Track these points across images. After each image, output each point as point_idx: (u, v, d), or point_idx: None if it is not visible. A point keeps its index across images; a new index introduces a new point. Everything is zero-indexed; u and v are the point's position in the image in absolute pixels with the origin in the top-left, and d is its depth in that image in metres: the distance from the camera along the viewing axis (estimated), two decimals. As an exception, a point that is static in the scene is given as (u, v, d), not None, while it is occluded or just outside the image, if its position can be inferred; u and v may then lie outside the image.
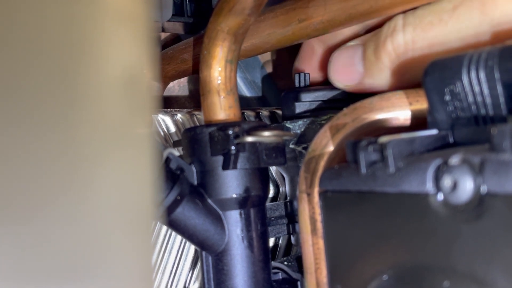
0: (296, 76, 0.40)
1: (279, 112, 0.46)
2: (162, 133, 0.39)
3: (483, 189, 0.21)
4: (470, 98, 0.24)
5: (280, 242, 0.43)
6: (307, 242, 0.30)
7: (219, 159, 0.33)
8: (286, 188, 0.41)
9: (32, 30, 0.18)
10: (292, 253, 0.43)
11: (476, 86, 0.24)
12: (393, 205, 0.25)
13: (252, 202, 0.34)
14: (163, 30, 0.46)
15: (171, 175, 0.32)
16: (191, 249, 0.38)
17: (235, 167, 0.33)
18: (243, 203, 0.33)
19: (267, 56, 0.56)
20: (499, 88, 0.23)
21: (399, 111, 0.28)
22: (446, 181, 0.22)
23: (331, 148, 0.29)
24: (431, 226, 0.23)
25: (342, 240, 0.28)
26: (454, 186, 0.22)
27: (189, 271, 0.39)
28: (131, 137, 0.21)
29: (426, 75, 0.25)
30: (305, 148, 0.36)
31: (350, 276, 0.28)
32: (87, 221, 0.19)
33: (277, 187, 0.42)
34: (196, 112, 0.42)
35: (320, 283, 0.29)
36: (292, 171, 0.39)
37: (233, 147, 0.32)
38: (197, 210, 0.33)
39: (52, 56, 0.18)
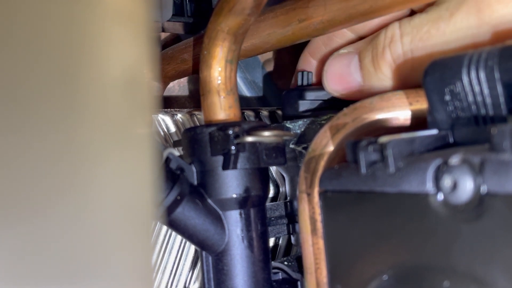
0: (299, 74, 0.40)
1: (279, 112, 0.46)
2: (162, 133, 0.39)
3: (483, 189, 0.21)
4: (470, 98, 0.24)
5: (280, 242, 0.43)
6: (307, 242, 0.30)
7: (219, 159, 0.33)
8: (286, 188, 0.41)
9: (32, 30, 0.18)
10: (292, 253, 0.43)
11: (476, 86, 0.24)
12: (393, 205, 0.25)
13: (252, 202, 0.34)
14: (163, 30, 0.46)
15: (171, 175, 0.32)
16: (191, 249, 0.38)
17: (235, 167, 0.33)
18: (243, 203, 0.33)
19: (267, 56, 0.56)
20: (499, 88, 0.23)
21: (399, 111, 0.28)
22: (446, 181, 0.22)
23: (331, 148, 0.29)
24: (431, 226, 0.23)
25: (342, 240, 0.28)
26: (454, 186, 0.22)
27: (189, 271, 0.39)
28: (131, 137, 0.21)
29: (426, 75, 0.25)
30: (305, 148, 0.36)
31: (350, 276, 0.28)
32: (87, 221, 0.19)
33: (277, 187, 0.42)
34: (196, 112, 0.42)
35: (320, 283, 0.29)
36: (292, 171, 0.39)
37: (233, 147, 0.32)
38: (197, 210, 0.33)
39: (52, 56, 0.18)
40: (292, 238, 0.40)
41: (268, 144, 0.33)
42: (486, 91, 0.24)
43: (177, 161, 0.33)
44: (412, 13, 0.35)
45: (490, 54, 0.23)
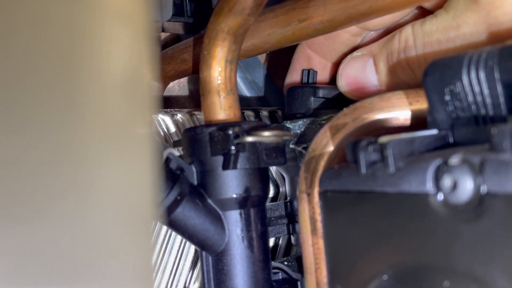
0: (304, 72, 0.40)
1: (279, 112, 0.46)
2: (162, 133, 0.39)
3: (483, 189, 0.21)
4: (470, 98, 0.24)
5: (280, 242, 0.43)
6: (307, 242, 0.30)
7: (219, 159, 0.33)
8: (286, 188, 0.41)
9: (32, 30, 0.18)
10: (292, 253, 0.43)
11: (476, 86, 0.24)
12: (393, 205, 0.25)
13: (252, 202, 0.34)
14: (163, 30, 0.46)
15: (171, 175, 0.32)
16: (191, 249, 0.38)
17: (235, 167, 0.33)
18: (243, 203, 0.33)
19: (267, 56, 0.56)
20: (499, 88, 0.23)
21: (399, 111, 0.28)
22: (446, 181, 0.22)
23: (331, 148, 0.29)
24: (431, 226, 0.23)
25: (342, 240, 0.28)
26: (454, 186, 0.22)
27: (189, 271, 0.39)
28: (131, 137, 0.21)
29: (426, 75, 0.25)
30: (305, 148, 0.36)
31: (350, 276, 0.28)
32: (87, 221, 0.19)
33: (277, 187, 0.42)
34: (196, 112, 0.42)
35: (320, 283, 0.29)
36: (292, 171, 0.39)
37: (233, 147, 0.32)
38: (197, 210, 0.33)
39: (52, 56, 0.18)
40: (292, 238, 0.40)
41: (268, 144, 0.33)
42: (486, 91, 0.24)
43: (177, 161, 0.33)
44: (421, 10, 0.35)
45: (490, 54, 0.23)
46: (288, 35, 0.36)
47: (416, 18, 0.36)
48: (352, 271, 0.27)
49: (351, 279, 0.28)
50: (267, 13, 0.37)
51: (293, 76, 0.43)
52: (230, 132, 0.32)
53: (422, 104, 0.28)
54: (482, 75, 0.23)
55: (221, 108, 0.35)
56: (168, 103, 0.52)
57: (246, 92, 0.55)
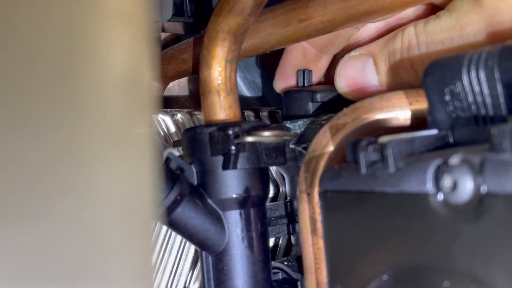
0: (299, 73, 0.40)
1: (279, 112, 0.46)
2: (162, 133, 0.39)
3: (483, 189, 0.21)
4: (470, 98, 0.24)
5: (280, 242, 0.43)
6: (307, 242, 0.30)
7: (219, 159, 0.33)
8: (286, 188, 0.41)
9: (32, 30, 0.18)
10: (292, 253, 0.43)
11: (476, 86, 0.24)
12: (393, 205, 0.25)
13: (252, 202, 0.34)
14: (163, 30, 0.46)
15: (171, 175, 0.32)
16: (191, 249, 0.38)
17: (235, 167, 0.33)
18: (243, 203, 0.33)
19: (267, 56, 0.56)
20: (499, 88, 0.23)
21: (399, 111, 0.28)
22: (446, 181, 0.22)
23: (331, 148, 0.29)
24: (431, 226, 0.23)
25: (342, 240, 0.28)
26: (454, 186, 0.22)
27: (189, 271, 0.39)
28: (131, 137, 0.21)
29: (426, 75, 0.25)
30: (305, 148, 0.36)
31: (350, 276, 0.28)
32: (87, 221, 0.19)
33: (277, 187, 0.42)
34: (196, 112, 0.42)
35: (320, 283, 0.29)
36: (292, 171, 0.39)
37: (233, 147, 0.32)
38: (197, 210, 0.33)
39: (52, 56, 0.18)
40: (292, 238, 0.40)
41: (268, 144, 0.33)
42: (486, 91, 0.24)
43: (177, 161, 0.33)
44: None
45: (490, 54, 0.23)
46: (288, 35, 0.36)
47: (417, 15, 0.36)
48: (352, 271, 0.27)
49: (351, 279, 0.28)
50: (267, 13, 0.37)
51: (287, 69, 0.41)
52: (230, 132, 0.32)
53: (422, 104, 0.28)
54: (482, 75, 0.23)
55: (221, 108, 0.35)
56: (168, 103, 0.52)
57: (246, 92, 0.55)
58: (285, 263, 0.37)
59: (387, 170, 0.24)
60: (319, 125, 0.36)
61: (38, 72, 0.18)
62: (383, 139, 0.25)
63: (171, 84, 0.52)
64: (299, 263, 0.37)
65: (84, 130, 0.19)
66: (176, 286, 0.38)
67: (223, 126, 0.33)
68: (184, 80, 0.54)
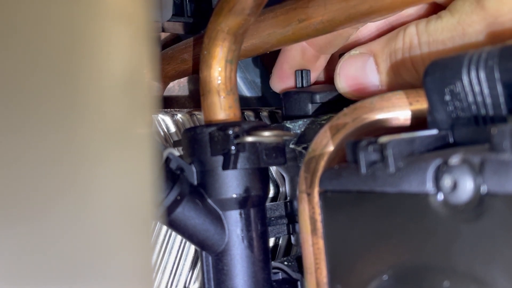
0: (297, 73, 0.40)
1: (279, 112, 0.46)
2: (162, 133, 0.39)
3: (483, 189, 0.21)
4: (470, 98, 0.24)
5: (280, 242, 0.43)
6: (307, 242, 0.30)
7: (219, 159, 0.33)
8: (286, 188, 0.41)
9: (32, 30, 0.18)
10: (292, 253, 0.43)
11: (476, 86, 0.24)
12: (393, 205, 0.25)
13: (252, 202, 0.34)
14: (163, 30, 0.46)
15: (171, 175, 0.32)
16: (191, 249, 0.38)
17: (235, 167, 0.33)
18: (243, 203, 0.33)
19: (267, 56, 0.56)
20: (499, 88, 0.23)
21: (399, 111, 0.28)
22: (446, 181, 0.22)
23: (331, 148, 0.29)
24: (431, 226, 0.23)
25: (342, 240, 0.28)
26: (454, 186, 0.22)
27: (189, 271, 0.39)
28: (131, 137, 0.21)
29: (426, 75, 0.25)
30: (305, 148, 0.36)
31: (350, 276, 0.28)
32: (87, 221, 0.19)
33: (277, 187, 0.42)
34: (196, 112, 0.42)
35: (320, 283, 0.29)
36: (292, 171, 0.39)
37: (233, 147, 0.32)
38: (197, 210, 0.33)
39: (52, 56, 0.18)
40: (292, 238, 0.40)
41: (268, 144, 0.33)
42: (486, 91, 0.24)
43: (177, 161, 0.33)
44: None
45: (490, 54, 0.23)
46: (288, 35, 0.36)
47: (419, 14, 0.36)
48: (352, 271, 0.27)
49: (351, 279, 0.28)
50: (267, 13, 0.37)
51: (284, 69, 0.41)
52: (230, 132, 0.32)
53: (422, 104, 0.28)
54: (482, 75, 0.23)
55: (221, 108, 0.35)
56: (168, 103, 0.52)
57: (246, 92, 0.55)
58: (285, 263, 0.37)
59: (387, 170, 0.24)
60: (319, 125, 0.36)
61: (38, 72, 0.18)
62: (383, 139, 0.25)
63: (171, 84, 0.52)
64: (299, 263, 0.37)
65: (84, 130, 0.19)
66: (176, 286, 0.38)
67: (223, 126, 0.33)
68: (184, 80, 0.54)
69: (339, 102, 0.38)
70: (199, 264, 0.37)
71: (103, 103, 0.20)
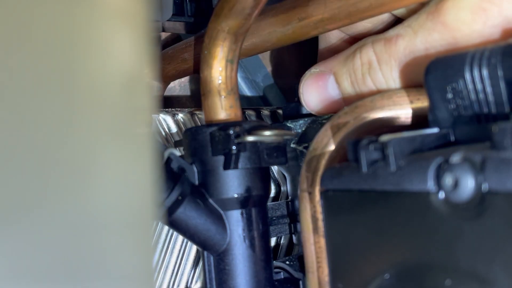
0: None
1: (280, 111, 0.46)
2: (163, 133, 0.39)
3: (485, 187, 0.21)
4: (473, 96, 0.24)
5: (282, 241, 0.43)
6: (308, 241, 0.30)
7: (220, 159, 0.33)
8: (287, 188, 0.41)
9: (32, 30, 0.18)
10: (294, 252, 0.43)
11: (479, 84, 0.24)
12: (394, 203, 0.25)
13: (254, 202, 0.34)
14: (164, 30, 0.46)
15: (172, 175, 0.32)
16: (193, 248, 0.38)
17: (236, 167, 0.33)
18: (244, 202, 0.33)
19: (268, 55, 0.56)
20: (502, 86, 0.23)
21: (400, 109, 0.28)
22: (448, 180, 0.22)
23: (332, 147, 0.29)
24: (433, 225, 0.23)
25: (343, 238, 0.28)
26: (456, 184, 0.22)
27: (191, 271, 0.39)
28: (131, 137, 0.21)
29: (428, 73, 0.25)
30: (306, 147, 0.36)
31: (352, 274, 0.28)
32: (88, 221, 0.19)
33: (278, 186, 0.42)
34: (197, 112, 0.42)
35: (322, 282, 0.29)
36: (293, 171, 0.39)
37: (234, 147, 0.32)
38: (198, 210, 0.33)
39: (52, 56, 0.18)
40: (294, 238, 0.40)
41: (269, 144, 0.33)
42: (488, 88, 0.23)
43: (178, 161, 0.33)
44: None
45: (493, 52, 0.23)
46: (289, 34, 0.36)
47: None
48: (353, 270, 0.27)
49: (353, 277, 0.27)
50: (267, 12, 0.37)
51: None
52: (231, 132, 0.32)
53: (423, 103, 0.28)
54: (485, 72, 0.23)
55: (222, 107, 0.35)
56: (169, 103, 0.52)
57: (247, 91, 0.55)
58: (287, 262, 0.37)
59: (388, 168, 0.24)
60: (320, 124, 0.36)
61: (38, 73, 0.18)
62: (384, 137, 0.25)
63: (172, 84, 0.52)
64: (300, 262, 0.37)
65: (84, 130, 0.19)
66: (178, 285, 0.38)
67: (224, 126, 0.33)
68: (185, 80, 0.53)
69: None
70: (201, 264, 0.37)
71: (103, 103, 0.20)
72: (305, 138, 0.37)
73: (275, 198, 0.42)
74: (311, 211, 0.29)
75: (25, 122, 0.18)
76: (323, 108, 0.36)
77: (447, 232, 0.22)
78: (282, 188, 0.42)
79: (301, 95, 0.37)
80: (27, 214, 0.18)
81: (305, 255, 0.30)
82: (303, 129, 0.37)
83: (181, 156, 0.34)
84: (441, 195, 0.23)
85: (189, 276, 0.39)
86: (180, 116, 0.40)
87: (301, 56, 0.56)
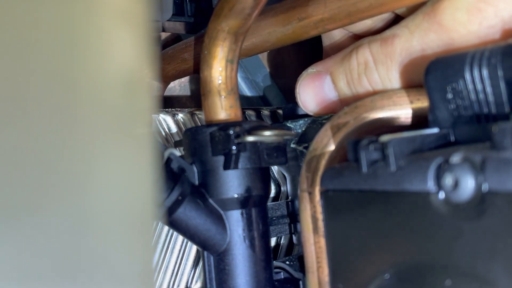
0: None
1: (280, 111, 0.46)
2: (163, 133, 0.39)
3: (485, 187, 0.21)
4: (473, 96, 0.24)
5: (282, 241, 0.43)
6: (308, 241, 0.30)
7: (220, 159, 0.33)
8: (287, 188, 0.41)
9: (32, 30, 0.18)
10: (294, 252, 0.43)
11: (479, 84, 0.24)
12: (394, 204, 0.25)
13: (254, 202, 0.34)
14: (164, 30, 0.46)
15: (172, 175, 0.32)
16: (193, 249, 0.38)
17: (236, 167, 0.33)
18: (244, 202, 0.33)
19: (268, 55, 0.56)
20: (502, 86, 0.23)
21: (400, 109, 0.28)
22: (448, 180, 0.22)
23: (332, 147, 0.29)
24: (433, 225, 0.23)
25: (343, 239, 0.28)
26: (456, 184, 0.22)
27: (191, 271, 0.39)
28: (131, 137, 0.21)
29: (428, 73, 0.25)
30: (306, 148, 0.36)
31: (352, 274, 0.28)
32: (88, 221, 0.19)
33: (278, 186, 0.42)
34: (197, 112, 0.42)
35: (322, 282, 0.29)
36: (293, 171, 0.39)
37: (234, 147, 0.32)
38: (198, 210, 0.33)
39: (52, 56, 0.18)
40: (294, 238, 0.40)
41: (269, 144, 0.33)
42: (488, 89, 0.23)
43: (178, 161, 0.33)
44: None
45: (493, 52, 0.23)
46: (289, 34, 0.36)
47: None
48: (354, 270, 0.27)
49: (353, 278, 0.27)
50: (267, 12, 0.37)
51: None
52: (231, 132, 0.32)
53: (423, 103, 0.28)
54: (485, 73, 0.23)
55: (222, 108, 0.35)
56: (169, 103, 0.52)
57: (247, 91, 0.55)
58: (287, 262, 0.37)
59: (388, 168, 0.24)
60: (320, 124, 0.36)
61: (38, 73, 0.18)
62: (384, 137, 0.25)
63: (172, 84, 0.52)
64: (301, 263, 0.37)
65: (84, 130, 0.19)
66: (178, 285, 0.38)
67: (224, 126, 0.33)
68: (185, 80, 0.54)
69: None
70: (201, 264, 0.37)
71: (103, 103, 0.20)
72: (305, 138, 0.37)
73: (275, 198, 0.42)
74: (311, 211, 0.29)
75: (25, 122, 0.18)
76: (320, 109, 0.36)
77: (447, 232, 0.22)
78: (282, 188, 0.42)
79: (297, 95, 0.37)
80: (27, 214, 0.18)
81: (305, 255, 0.30)
82: (303, 129, 0.37)
83: (181, 156, 0.34)
84: (441, 195, 0.23)
85: (189, 276, 0.39)
86: (180, 116, 0.40)
87: (301, 56, 0.56)
